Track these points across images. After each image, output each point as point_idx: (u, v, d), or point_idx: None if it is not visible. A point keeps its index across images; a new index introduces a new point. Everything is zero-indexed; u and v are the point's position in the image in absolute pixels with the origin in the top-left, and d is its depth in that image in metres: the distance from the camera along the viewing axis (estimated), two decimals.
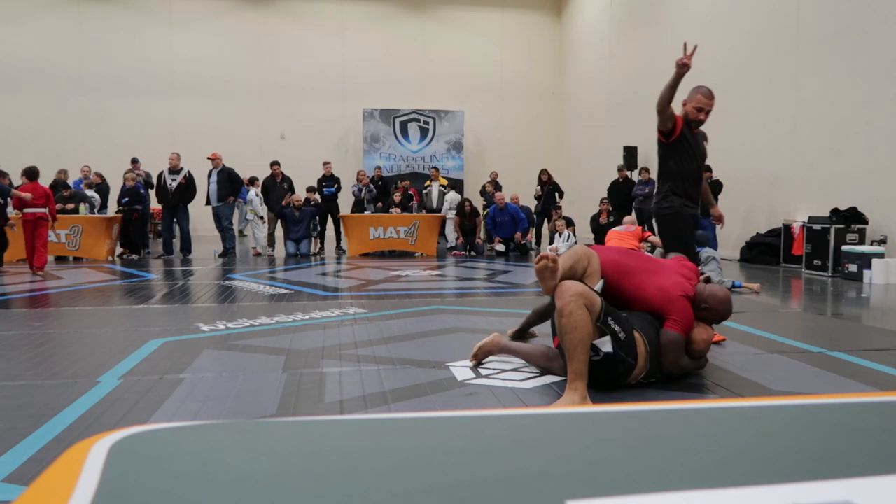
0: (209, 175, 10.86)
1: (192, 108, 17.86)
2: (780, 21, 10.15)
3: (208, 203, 10.89)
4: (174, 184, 10.64)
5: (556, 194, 13.09)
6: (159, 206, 11.65)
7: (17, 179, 11.71)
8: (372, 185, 12.43)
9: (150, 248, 12.28)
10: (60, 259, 10.56)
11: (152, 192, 11.76)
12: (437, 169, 13.97)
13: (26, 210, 8.39)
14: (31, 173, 8.63)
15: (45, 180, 9.31)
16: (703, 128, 4.27)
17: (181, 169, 10.73)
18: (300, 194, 11.63)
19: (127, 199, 11.16)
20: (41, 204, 8.44)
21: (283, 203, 11.11)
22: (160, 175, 10.87)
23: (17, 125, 16.83)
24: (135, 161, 12.45)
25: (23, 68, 17.04)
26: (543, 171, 13.15)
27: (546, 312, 3.69)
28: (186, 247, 10.83)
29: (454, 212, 12.16)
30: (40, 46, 17.13)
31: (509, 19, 19.38)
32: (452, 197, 12.68)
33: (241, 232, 16.44)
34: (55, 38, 17.27)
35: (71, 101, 17.33)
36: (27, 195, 8.38)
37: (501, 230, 11.62)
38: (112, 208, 12.41)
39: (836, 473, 0.99)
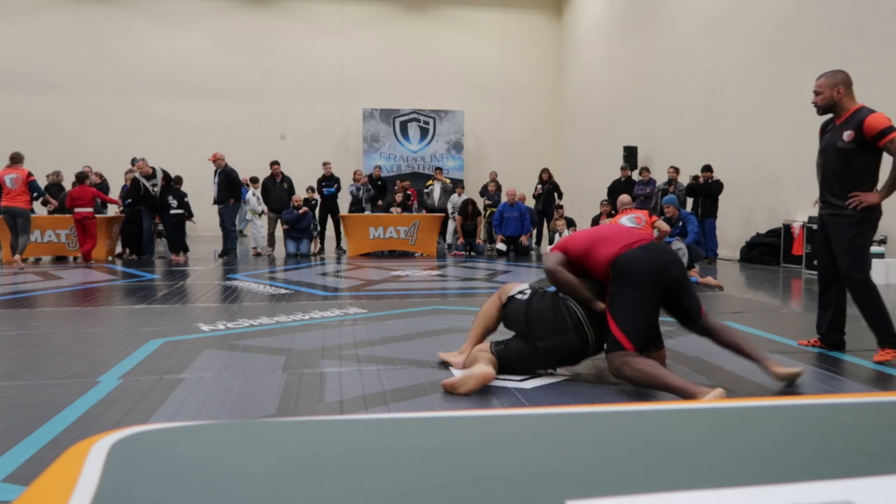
0: (215, 175, 10.89)
1: (192, 108, 17.86)
2: (780, 21, 10.15)
3: (215, 203, 10.94)
4: (156, 189, 10.61)
5: (556, 194, 13.09)
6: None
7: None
8: (370, 185, 12.42)
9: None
10: (60, 259, 10.57)
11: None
12: (440, 169, 13.98)
13: (77, 210, 9.72)
14: (81, 176, 10.24)
15: (41, 180, 10.33)
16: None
17: (154, 171, 10.65)
18: (300, 194, 11.63)
19: (130, 199, 11.15)
20: (87, 203, 9.86)
21: (296, 208, 11.12)
22: (136, 182, 10.63)
23: (17, 125, 16.81)
24: (134, 161, 12.43)
25: (23, 68, 17.03)
26: (544, 171, 13.16)
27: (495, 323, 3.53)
28: (174, 248, 10.80)
29: (456, 212, 12.16)
30: (40, 46, 17.12)
31: (509, 19, 19.38)
32: (456, 199, 12.67)
33: (240, 232, 16.46)
34: (55, 38, 17.26)
35: (71, 101, 17.32)
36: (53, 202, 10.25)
37: (508, 227, 11.53)
38: (112, 208, 12.40)
39: (836, 473, 1.00)
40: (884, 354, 3.62)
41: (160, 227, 12.64)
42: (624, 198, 7.75)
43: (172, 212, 10.60)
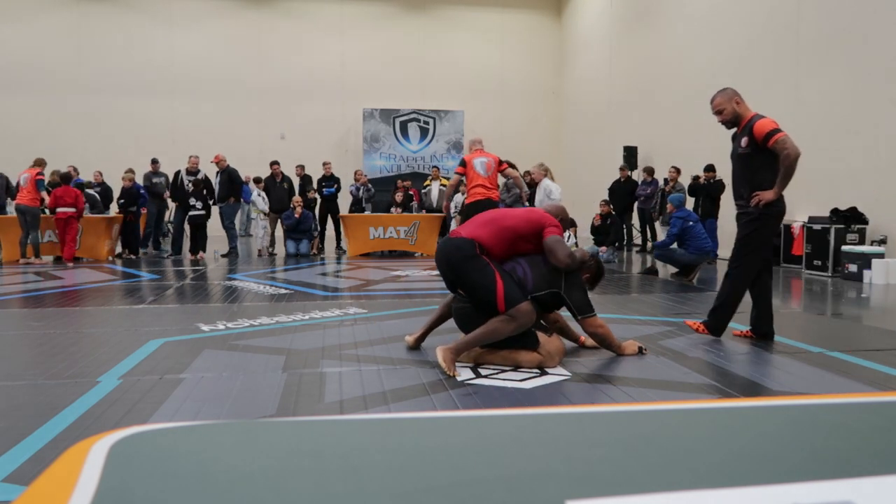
0: (216, 175, 11.04)
1: (192, 108, 17.86)
2: (780, 21, 10.14)
3: (215, 203, 11.05)
4: (190, 186, 10.84)
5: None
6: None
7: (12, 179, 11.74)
8: (370, 185, 12.41)
9: (146, 248, 12.30)
10: (60, 259, 10.57)
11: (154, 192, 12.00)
12: (438, 168, 13.97)
13: (59, 209, 9.73)
14: (66, 177, 10.20)
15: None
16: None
17: (198, 171, 10.92)
18: (299, 195, 11.64)
19: (123, 199, 11.23)
20: (70, 203, 9.78)
21: (293, 206, 11.15)
22: (177, 174, 11.02)
23: (17, 125, 16.82)
24: (155, 161, 12.45)
25: (23, 68, 17.03)
26: (527, 173, 13.13)
27: (444, 315, 3.92)
28: (202, 246, 11.00)
29: (457, 212, 12.15)
30: (40, 46, 17.12)
31: (509, 19, 19.39)
32: (458, 199, 12.65)
33: (245, 232, 16.48)
34: (55, 38, 17.26)
35: (71, 101, 17.32)
36: (45, 198, 9.96)
37: None
38: (114, 208, 12.43)
39: (836, 473, 1.00)
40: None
41: (160, 226, 12.69)
42: (476, 138, 7.71)
43: (193, 213, 10.71)
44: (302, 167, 12.38)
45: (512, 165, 8.10)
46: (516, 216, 3.75)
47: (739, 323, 4.81)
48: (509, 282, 3.45)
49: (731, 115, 4.03)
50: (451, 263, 3.55)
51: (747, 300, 4.26)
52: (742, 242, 4.03)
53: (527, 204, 8.29)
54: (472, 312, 3.53)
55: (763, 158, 3.93)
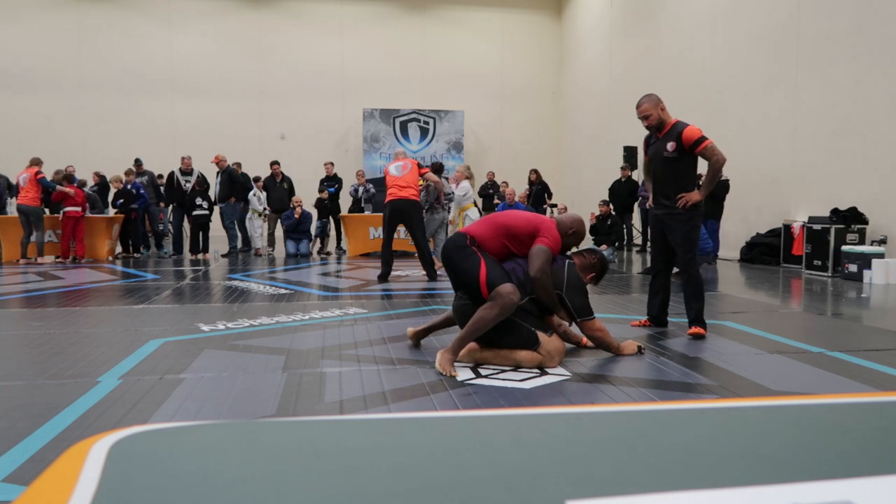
0: (217, 175, 11.07)
1: (192, 108, 17.86)
2: (780, 21, 10.14)
3: (215, 203, 11.08)
4: (188, 185, 10.84)
5: (546, 194, 13.06)
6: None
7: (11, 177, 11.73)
8: (370, 185, 12.42)
9: (151, 247, 12.31)
10: (60, 259, 10.57)
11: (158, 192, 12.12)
12: (428, 167, 13.97)
13: (68, 209, 9.97)
14: (69, 177, 10.40)
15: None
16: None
17: (192, 170, 10.94)
18: (300, 195, 11.63)
19: (122, 200, 11.23)
20: (79, 203, 10.05)
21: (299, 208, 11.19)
22: (172, 175, 11.02)
23: (17, 125, 16.82)
24: (138, 162, 12.46)
25: (23, 68, 17.03)
26: (532, 171, 13.16)
27: (450, 319, 3.96)
28: (205, 246, 11.01)
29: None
30: (40, 46, 17.12)
31: (509, 19, 19.39)
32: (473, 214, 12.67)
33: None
34: (55, 38, 17.26)
35: (71, 101, 17.32)
36: (69, 191, 10.10)
37: None
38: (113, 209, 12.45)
39: (836, 473, 1.00)
40: (696, 330, 4.29)
41: (160, 227, 12.69)
42: (399, 150, 8.42)
43: (197, 213, 10.76)
44: (238, 164, 12.37)
45: (438, 170, 9.13)
46: (516, 215, 3.78)
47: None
48: (493, 267, 3.50)
49: (657, 120, 4.36)
50: (445, 256, 3.66)
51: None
52: (683, 247, 4.33)
53: (446, 205, 9.49)
54: (470, 309, 3.53)
55: (687, 163, 4.32)
